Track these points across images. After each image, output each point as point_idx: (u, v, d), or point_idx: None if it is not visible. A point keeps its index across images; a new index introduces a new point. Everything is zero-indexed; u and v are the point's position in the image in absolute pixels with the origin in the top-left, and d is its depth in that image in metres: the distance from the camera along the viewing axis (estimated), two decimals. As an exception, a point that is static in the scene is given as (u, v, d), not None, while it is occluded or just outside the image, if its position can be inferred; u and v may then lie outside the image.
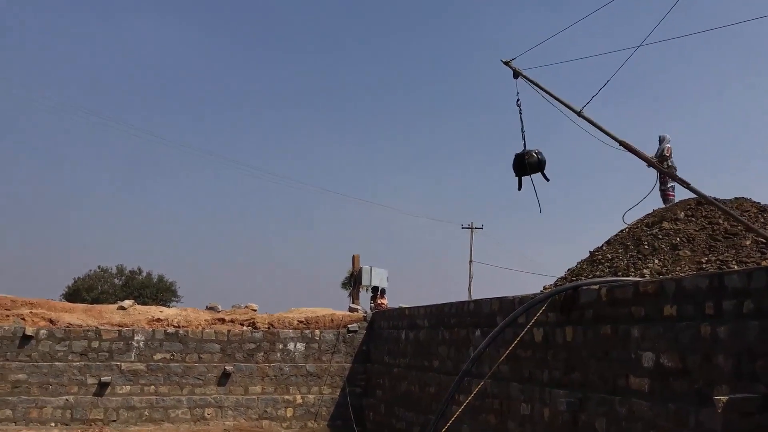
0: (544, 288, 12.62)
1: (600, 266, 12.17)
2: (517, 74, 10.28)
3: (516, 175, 10.44)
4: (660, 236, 12.02)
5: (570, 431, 8.38)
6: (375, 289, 20.01)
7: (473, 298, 16.27)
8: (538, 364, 9.28)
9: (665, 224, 12.30)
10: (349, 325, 16.61)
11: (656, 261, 11.28)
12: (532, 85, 10.25)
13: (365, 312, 17.40)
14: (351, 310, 17.84)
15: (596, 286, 8.38)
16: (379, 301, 19.21)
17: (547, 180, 10.52)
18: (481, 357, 9.43)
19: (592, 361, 8.20)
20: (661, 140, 14.25)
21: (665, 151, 14.00)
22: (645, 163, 10.93)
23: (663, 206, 13.56)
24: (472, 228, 40.46)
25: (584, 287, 8.56)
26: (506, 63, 10.33)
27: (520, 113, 10.03)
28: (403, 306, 16.17)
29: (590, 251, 13.37)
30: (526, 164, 10.31)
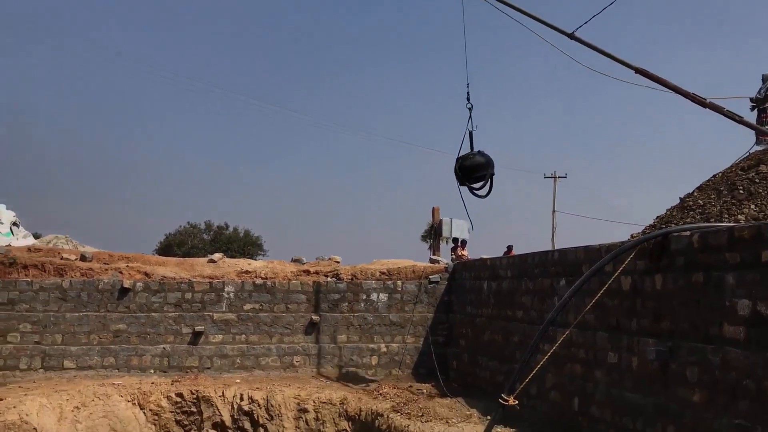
0: (632, 236, 12.30)
1: (691, 213, 11.73)
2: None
3: (460, 184, 10.15)
4: (757, 180, 11.42)
5: (659, 380, 8.29)
6: (455, 240, 20.00)
7: (557, 247, 15.91)
8: (626, 312, 9.15)
9: (762, 167, 11.64)
10: (430, 276, 16.81)
11: (752, 206, 10.77)
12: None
13: (446, 263, 17.55)
14: (432, 261, 18.04)
15: (688, 233, 8.13)
16: (459, 253, 19.23)
17: (485, 191, 10.25)
18: (566, 306, 9.37)
19: (683, 309, 8.02)
20: (765, 80, 13.35)
21: (768, 91, 13.11)
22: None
23: (758, 148, 12.79)
24: (555, 177, 39.49)
25: (675, 234, 8.33)
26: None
27: (470, 114, 9.75)
28: (485, 257, 16.22)
29: (680, 198, 12.89)
30: (472, 169, 10.05)
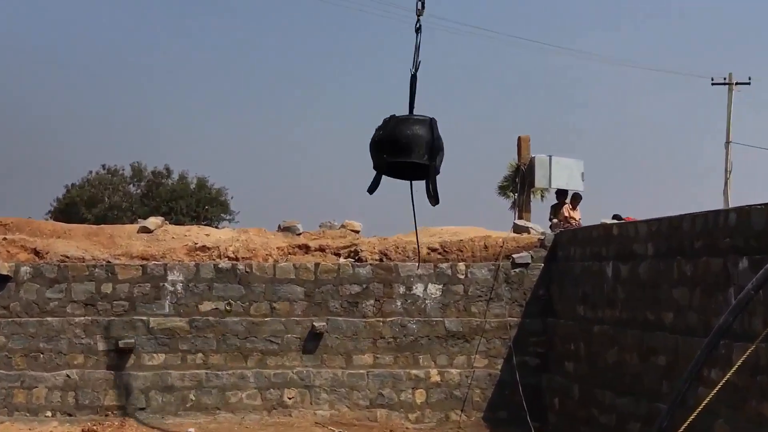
0: None
1: None
2: None
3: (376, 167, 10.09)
4: None
5: None
6: (560, 194, 19.71)
7: (732, 205, 15.66)
8: None
9: None
10: (514, 255, 16.82)
11: None
12: None
13: (542, 233, 17.47)
14: (517, 229, 17.92)
15: None
16: (566, 215, 19.08)
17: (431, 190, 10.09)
18: (749, 305, 9.14)
19: None
20: None
21: None
22: None
23: None
24: (730, 84, 38.10)
25: None
26: None
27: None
28: (608, 222, 16.20)
29: None
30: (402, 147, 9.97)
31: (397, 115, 9.84)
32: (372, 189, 10.06)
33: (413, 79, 9.87)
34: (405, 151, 9.70)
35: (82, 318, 15.94)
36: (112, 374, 15.92)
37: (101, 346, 15.94)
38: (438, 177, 9.98)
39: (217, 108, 76.95)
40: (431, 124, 9.73)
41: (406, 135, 9.67)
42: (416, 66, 9.86)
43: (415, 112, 9.99)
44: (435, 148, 9.74)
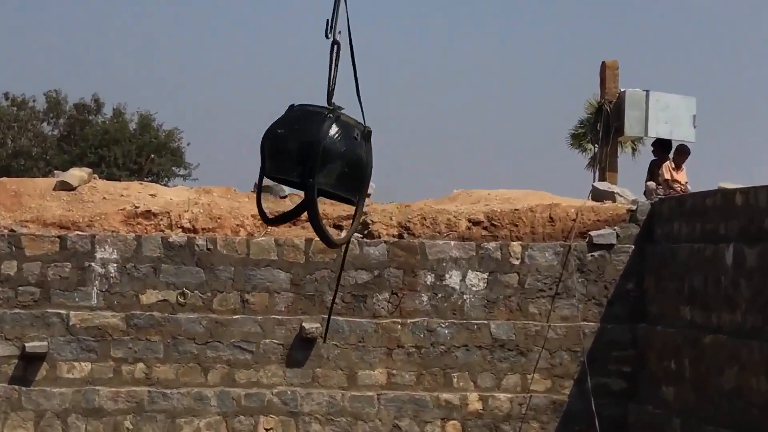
0: None
1: None
2: None
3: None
4: None
5: None
6: (660, 146, 19.37)
7: None
8: None
9: None
10: (592, 233, 16.53)
11: None
12: None
13: (633, 202, 17.14)
14: (597, 196, 17.70)
15: None
16: (668, 177, 18.85)
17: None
18: None
19: None
20: None
21: None
22: None
23: None
24: None
25: None
26: None
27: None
28: (728, 186, 15.83)
29: None
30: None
31: (305, 104, 8.81)
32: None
33: (333, 47, 8.90)
34: (279, 161, 8.71)
35: None
36: (16, 390, 15.61)
37: (3, 350, 15.64)
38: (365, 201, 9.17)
39: (169, 21, 76.72)
40: (339, 122, 8.67)
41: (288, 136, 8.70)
42: (333, 28, 8.78)
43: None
44: (329, 157, 8.62)
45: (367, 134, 8.43)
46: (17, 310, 15.61)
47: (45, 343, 15.53)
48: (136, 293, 15.82)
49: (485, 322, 16.12)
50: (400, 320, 16.07)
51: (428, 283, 16.14)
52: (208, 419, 15.78)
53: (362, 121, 8.74)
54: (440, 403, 16.03)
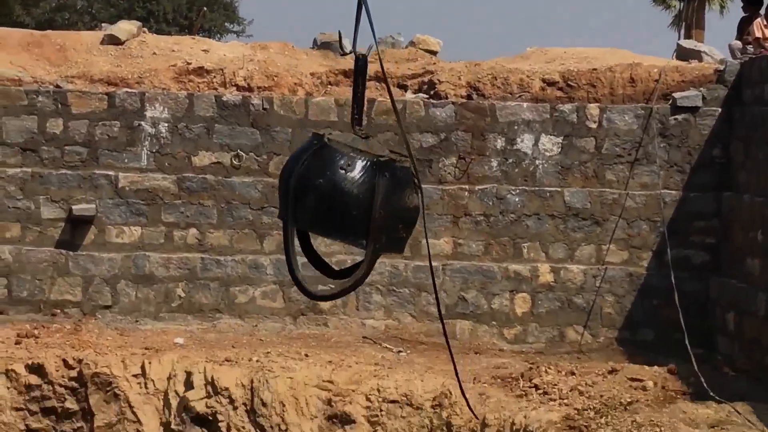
0: None
1: None
2: None
3: None
4: None
5: None
6: (750, 1, 19.11)
7: None
8: None
9: None
10: (676, 95, 16.04)
11: None
12: None
13: (721, 62, 16.57)
14: (682, 55, 17.21)
15: None
16: (757, 35, 17.97)
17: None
18: None
19: None
20: None
21: None
22: None
23: None
24: None
25: None
26: None
27: None
28: None
29: None
30: None
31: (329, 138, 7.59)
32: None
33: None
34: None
35: (18, 170, 15.46)
36: (63, 255, 15.49)
37: (46, 212, 15.48)
38: None
39: None
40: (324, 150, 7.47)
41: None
42: None
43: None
44: (302, 190, 7.44)
45: (382, 164, 6.97)
46: (63, 171, 15.48)
47: (93, 206, 15.42)
48: (188, 155, 15.62)
49: (558, 189, 15.82)
50: (467, 187, 15.80)
51: (498, 147, 15.81)
52: (264, 288, 15.67)
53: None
54: (509, 275, 15.82)
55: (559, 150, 15.78)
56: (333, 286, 7.87)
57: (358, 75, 7.78)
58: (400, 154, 7.46)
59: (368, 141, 7.42)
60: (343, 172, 6.94)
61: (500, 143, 15.76)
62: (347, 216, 6.92)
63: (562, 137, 15.76)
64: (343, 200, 6.90)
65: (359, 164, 6.95)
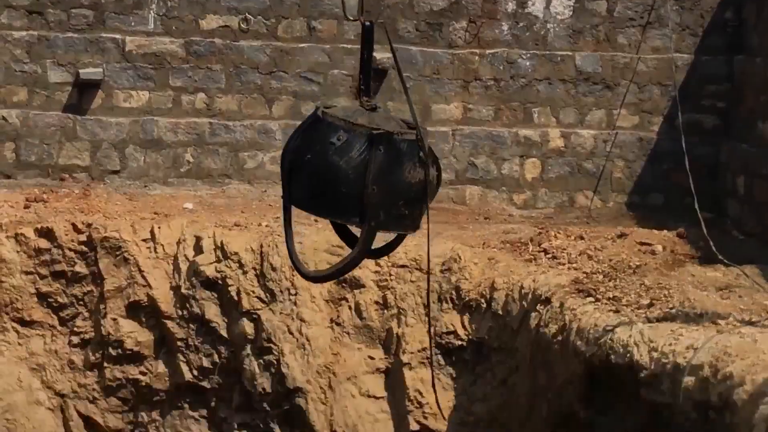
0: None
1: None
2: None
3: None
4: None
5: None
6: None
7: None
8: None
9: None
10: None
11: None
12: None
13: None
14: None
15: None
16: None
17: None
18: None
19: None
20: None
21: None
22: None
23: None
24: None
25: None
26: None
27: None
28: None
29: None
30: None
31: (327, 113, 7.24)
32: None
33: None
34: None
35: (24, 33, 15.25)
36: (70, 119, 15.40)
37: (53, 76, 15.34)
38: None
39: None
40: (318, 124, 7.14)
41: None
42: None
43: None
44: (295, 167, 7.11)
45: (377, 137, 6.63)
46: (70, 34, 15.24)
47: (100, 69, 15.26)
48: (196, 18, 15.36)
49: (570, 53, 15.68)
50: (477, 51, 15.61)
51: (509, 10, 15.59)
52: (273, 153, 15.51)
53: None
54: (519, 140, 15.76)
55: (571, 13, 15.57)
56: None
57: (365, 44, 7.62)
58: (410, 126, 7.19)
59: (373, 113, 7.11)
60: (333, 146, 6.70)
61: (511, 6, 15.53)
62: (338, 193, 6.64)
63: (573, 0, 15.59)
64: (332, 176, 6.63)
65: (351, 139, 6.72)
